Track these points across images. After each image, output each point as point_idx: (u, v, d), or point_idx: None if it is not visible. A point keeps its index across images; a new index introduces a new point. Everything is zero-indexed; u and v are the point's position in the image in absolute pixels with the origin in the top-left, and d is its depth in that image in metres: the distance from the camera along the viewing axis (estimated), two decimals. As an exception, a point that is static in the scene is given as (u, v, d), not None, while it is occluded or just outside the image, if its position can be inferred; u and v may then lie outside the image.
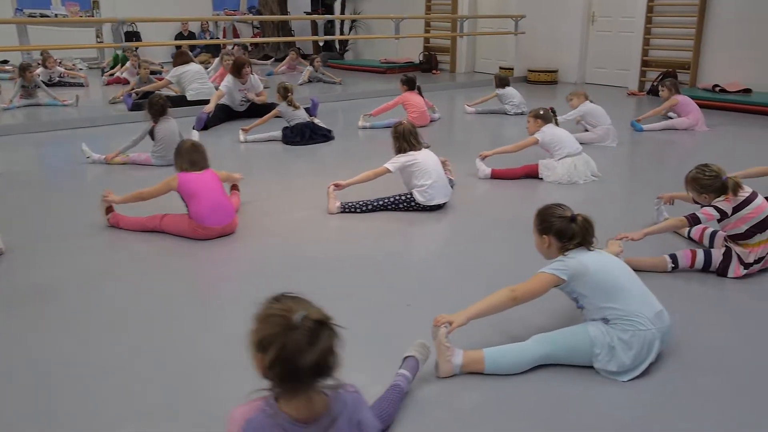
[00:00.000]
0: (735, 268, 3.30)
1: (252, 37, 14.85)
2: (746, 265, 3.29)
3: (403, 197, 4.32)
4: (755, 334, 2.82)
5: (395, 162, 4.29)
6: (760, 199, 3.30)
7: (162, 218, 3.90)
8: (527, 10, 11.16)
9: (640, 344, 2.40)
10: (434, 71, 12.47)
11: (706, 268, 3.36)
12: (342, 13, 14.04)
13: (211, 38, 14.10)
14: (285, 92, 6.47)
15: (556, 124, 5.35)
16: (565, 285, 2.48)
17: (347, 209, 4.30)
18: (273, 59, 13.74)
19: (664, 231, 3.62)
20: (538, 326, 2.67)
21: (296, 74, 11.41)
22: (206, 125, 7.11)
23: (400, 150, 4.31)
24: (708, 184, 3.31)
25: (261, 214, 4.36)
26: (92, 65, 12.49)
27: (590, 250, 2.53)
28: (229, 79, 7.44)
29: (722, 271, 3.32)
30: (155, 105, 5.28)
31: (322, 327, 1.43)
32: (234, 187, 4.44)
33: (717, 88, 8.80)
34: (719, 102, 8.45)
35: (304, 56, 12.80)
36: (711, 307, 3.09)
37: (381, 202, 4.33)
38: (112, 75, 10.51)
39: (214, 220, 3.81)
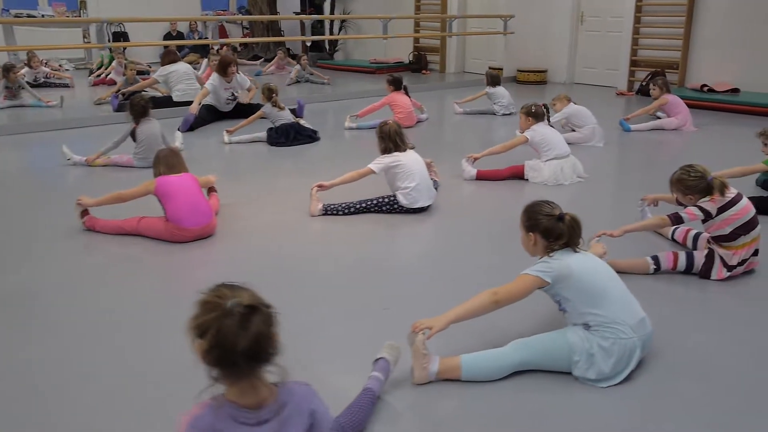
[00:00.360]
0: (718, 271, 3.26)
1: (242, 38, 14.78)
2: (729, 268, 3.25)
3: (386, 199, 4.27)
4: (738, 337, 2.78)
5: (379, 162, 4.24)
6: (744, 201, 3.26)
7: (139, 221, 3.84)
8: (516, 10, 11.12)
9: (621, 353, 2.35)
10: (424, 71, 12.43)
11: (688, 270, 3.32)
12: (331, 13, 13.98)
13: (200, 38, 14.00)
14: (270, 93, 6.41)
15: (549, 121, 5.30)
16: (549, 287, 2.42)
17: (329, 211, 4.25)
18: (262, 59, 13.67)
19: (644, 229, 3.58)
20: (519, 331, 2.61)
21: (285, 74, 11.36)
22: (192, 126, 7.03)
23: (385, 150, 4.25)
24: (693, 185, 3.26)
25: (242, 216, 4.30)
26: (79, 66, 12.37)
27: (576, 251, 2.47)
28: (214, 77, 7.34)
29: (705, 274, 3.28)
30: (136, 106, 5.21)
31: (254, 312, 1.46)
32: (212, 190, 4.38)
33: (705, 88, 8.79)
34: (707, 102, 8.45)
35: (293, 56, 12.73)
36: (694, 310, 3.05)
37: (364, 204, 4.28)
38: (99, 76, 10.41)
39: (191, 222, 3.75)
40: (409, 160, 4.23)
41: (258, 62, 13.31)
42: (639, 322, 2.42)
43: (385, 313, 2.96)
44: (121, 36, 13.66)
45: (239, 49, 13.87)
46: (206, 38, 13.55)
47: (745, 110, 8.08)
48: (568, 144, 5.32)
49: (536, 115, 5.17)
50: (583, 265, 2.42)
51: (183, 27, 14.67)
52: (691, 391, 2.37)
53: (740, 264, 3.26)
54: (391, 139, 4.23)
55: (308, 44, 11.73)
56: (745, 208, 3.22)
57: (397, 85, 7.35)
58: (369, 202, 4.28)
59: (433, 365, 2.37)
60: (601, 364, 2.35)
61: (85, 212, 3.99)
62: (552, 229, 2.44)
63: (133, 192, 3.90)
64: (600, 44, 10.74)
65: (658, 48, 9.95)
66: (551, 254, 2.43)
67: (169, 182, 3.79)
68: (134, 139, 5.31)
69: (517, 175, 5.18)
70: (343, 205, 4.27)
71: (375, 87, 9.95)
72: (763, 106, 7.97)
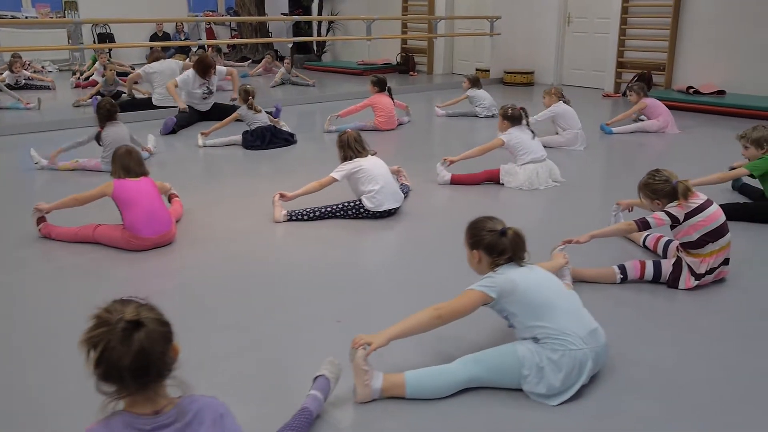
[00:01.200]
0: (686, 280, 3.15)
1: (229, 39, 14.67)
2: (698, 276, 3.15)
3: (351, 204, 4.17)
4: (703, 350, 2.68)
5: (341, 170, 4.14)
6: (713, 208, 3.17)
7: (95, 229, 3.73)
8: (503, 11, 11.03)
9: (571, 365, 2.25)
10: (411, 72, 12.33)
11: (656, 279, 3.22)
12: (319, 14, 13.88)
13: (186, 39, 13.89)
14: (246, 95, 6.31)
15: (527, 124, 5.20)
16: (494, 303, 2.34)
17: (294, 217, 4.14)
18: (250, 61, 13.56)
19: (612, 235, 3.49)
20: (469, 345, 2.51)
21: (272, 77, 11.25)
22: (174, 129, 6.92)
23: (345, 158, 4.18)
24: (659, 188, 3.18)
25: (204, 222, 4.19)
26: (62, 67, 12.25)
27: (521, 265, 2.38)
28: (189, 74, 7.21)
29: (673, 283, 3.18)
30: (102, 109, 5.10)
31: (137, 328, 1.44)
32: (174, 195, 4.26)
33: (691, 90, 8.70)
34: (693, 104, 8.36)
35: (281, 58, 12.63)
36: (657, 322, 2.94)
37: (329, 209, 4.17)
38: (79, 78, 10.30)
39: (149, 230, 3.63)
40: (371, 164, 4.14)
41: (246, 64, 13.19)
42: (590, 333, 2.32)
43: (333, 327, 2.84)
44: (106, 37, 13.55)
45: (226, 50, 13.75)
46: (195, 39, 13.48)
47: (730, 112, 7.99)
48: (550, 148, 5.21)
49: (512, 118, 5.06)
50: (528, 278, 2.34)
51: (169, 28, 14.54)
52: (647, 410, 2.26)
53: (709, 272, 3.15)
54: (351, 147, 4.16)
55: (290, 46, 11.63)
56: (714, 215, 3.12)
57: (381, 86, 7.25)
58: (334, 207, 4.17)
59: (376, 381, 2.26)
60: (551, 378, 2.25)
61: (41, 219, 3.88)
62: (495, 245, 2.37)
63: (89, 194, 3.78)
64: (587, 45, 10.64)
65: (645, 50, 9.85)
66: (496, 269, 2.35)
67: (127, 188, 3.68)
68: (99, 143, 5.19)
69: (493, 179, 5.07)
70: (308, 210, 4.16)
71: (361, 89, 9.81)
72: (748, 108, 7.88)
